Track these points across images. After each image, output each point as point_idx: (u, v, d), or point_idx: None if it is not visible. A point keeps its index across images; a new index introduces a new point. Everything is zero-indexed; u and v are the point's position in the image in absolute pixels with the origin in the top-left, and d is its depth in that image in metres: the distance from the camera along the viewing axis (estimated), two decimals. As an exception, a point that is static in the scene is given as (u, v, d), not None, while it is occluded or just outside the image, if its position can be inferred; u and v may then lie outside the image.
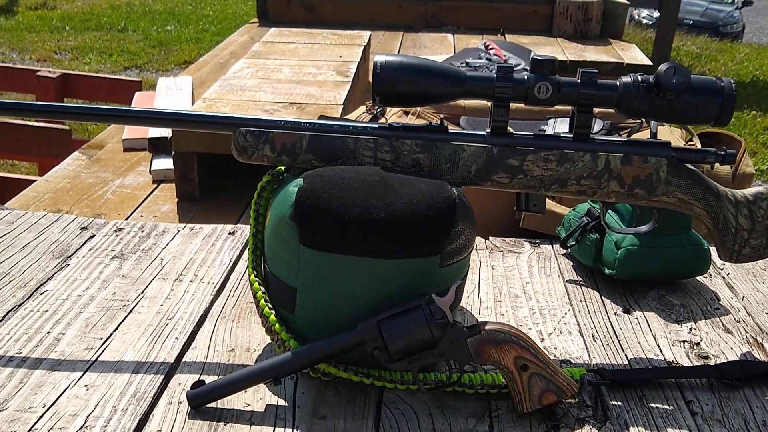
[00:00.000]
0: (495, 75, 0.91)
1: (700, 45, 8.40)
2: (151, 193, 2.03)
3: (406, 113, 1.71)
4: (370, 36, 3.00)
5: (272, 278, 0.92)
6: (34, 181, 2.72)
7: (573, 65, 3.42)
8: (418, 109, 1.71)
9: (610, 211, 1.15)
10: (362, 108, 1.79)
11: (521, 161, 0.93)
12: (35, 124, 3.12)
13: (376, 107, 1.74)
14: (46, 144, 3.12)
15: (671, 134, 1.65)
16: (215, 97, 2.12)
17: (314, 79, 2.33)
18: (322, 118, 0.98)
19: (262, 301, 0.91)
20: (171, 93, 2.61)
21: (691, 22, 10.07)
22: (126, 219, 1.84)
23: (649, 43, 7.10)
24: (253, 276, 0.94)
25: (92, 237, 1.26)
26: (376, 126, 0.95)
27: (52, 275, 1.14)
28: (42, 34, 7.56)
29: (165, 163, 2.10)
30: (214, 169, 2.08)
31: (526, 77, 0.91)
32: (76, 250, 1.22)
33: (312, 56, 2.63)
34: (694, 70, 7.11)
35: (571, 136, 0.94)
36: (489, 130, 0.94)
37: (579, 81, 0.91)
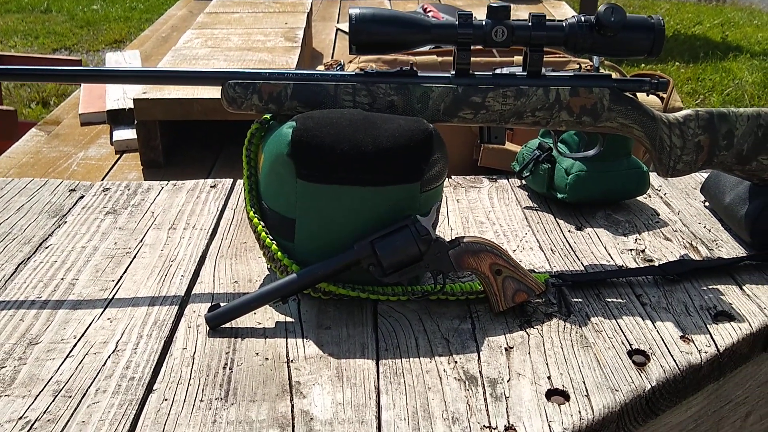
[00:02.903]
0: (457, 22, 1.03)
1: (623, 2, 8.67)
2: (115, 162, 2.09)
3: (362, 71, 1.81)
4: (312, 3, 3.08)
5: (270, 212, 1.02)
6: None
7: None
8: (374, 66, 1.81)
9: (559, 142, 1.29)
10: (321, 68, 1.88)
11: (483, 98, 1.06)
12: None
13: (335, 66, 1.84)
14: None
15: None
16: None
17: (264, 46, 2.41)
18: (300, 69, 1.08)
19: (263, 233, 1.02)
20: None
21: (613, -20, 10.37)
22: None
23: (575, 2, 7.34)
24: (252, 213, 1.04)
25: (82, 197, 1.34)
26: (353, 73, 1.06)
27: (52, 232, 1.21)
28: (-39, 18, 7.32)
29: (126, 134, 2.16)
30: (176, 137, 2.15)
31: (484, 23, 1.03)
32: (70, 209, 1.29)
33: (258, 24, 2.70)
34: (618, 27, 7.36)
35: (525, 73, 1.07)
36: (454, 72, 1.06)
37: (530, 24, 1.04)
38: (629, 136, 1.11)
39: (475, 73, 1.06)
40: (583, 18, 1.04)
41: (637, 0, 8.99)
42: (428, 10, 3.28)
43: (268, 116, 1.07)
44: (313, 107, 1.04)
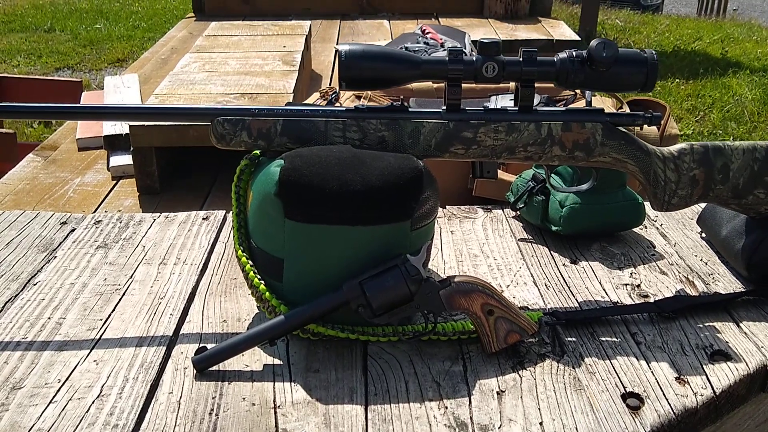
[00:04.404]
0: (447, 58, 1.02)
1: (623, 18, 8.70)
2: (111, 189, 2.08)
3: (358, 98, 1.81)
4: (311, 26, 3.08)
5: (259, 251, 1.01)
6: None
7: (506, 45, 3.57)
8: (369, 93, 1.81)
9: (553, 174, 1.28)
10: (316, 95, 1.88)
11: (474, 133, 1.04)
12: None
13: (331, 93, 1.83)
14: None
15: (602, 103, 1.80)
16: (167, 93, 2.17)
17: (261, 70, 2.40)
18: (290, 105, 1.07)
19: (251, 273, 1.00)
20: (119, 91, 2.65)
21: (613, -5, 10.42)
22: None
23: (575, 19, 7.35)
24: (240, 251, 1.03)
25: (73, 230, 1.33)
26: (344, 109, 1.05)
27: (41, 267, 1.20)
28: (-36, 38, 7.36)
29: (122, 160, 2.15)
30: (173, 163, 2.14)
31: (474, 59, 1.02)
32: (60, 243, 1.28)
33: (256, 47, 2.70)
34: (619, 43, 7.36)
35: (517, 108, 1.06)
36: (444, 108, 1.05)
37: (521, 59, 1.03)
38: (623, 170, 1.10)
39: (467, 108, 1.05)
40: (574, 53, 1.03)
41: (636, 16, 9.02)
42: (427, 31, 3.28)
43: (257, 152, 1.06)
44: (303, 143, 1.03)
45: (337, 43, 3.67)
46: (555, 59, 1.03)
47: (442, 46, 3.15)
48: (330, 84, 3.01)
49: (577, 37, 3.78)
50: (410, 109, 1.05)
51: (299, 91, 2.37)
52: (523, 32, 3.79)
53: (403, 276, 0.94)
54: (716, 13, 9.33)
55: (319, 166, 0.95)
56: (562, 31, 3.84)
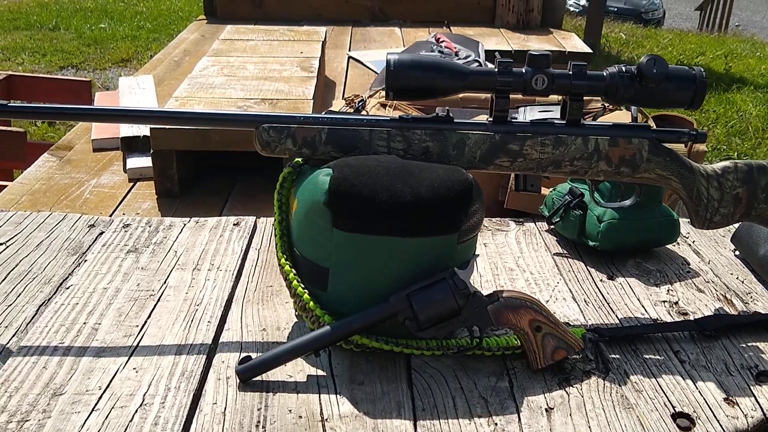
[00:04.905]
0: (496, 69, 1.01)
1: (627, 31, 8.73)
2: (129, 191, 2.07)
3: (383, 106, 1.80)
4: (326, 32, 3.07)
5: (303, 260, 1.00)
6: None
7: (518, 55, 3.57)
8: (394, 102, 1.80)
9: (588, 188, 1.27)
10: (342, 102, 1.87)
11: (521, 146, 1.04)
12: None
13: (357, 101, 1.82)
14: (-4, 147, 3.08)
15: (626, 116, 1.79)
16: (186, 96, 2.16)
17: (280, 75, 2.39)
18: (330, 113, 1.06)
19: (295, 281, 0.99)
20: (134, 92, 2.63)
21: (616, 9, 10.46)
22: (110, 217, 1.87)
23: (579, 31, 7.35)
24: (283, 260, 1.01)
25: (102, 234, 1.31)
26: (388, 118, 1.04)
27: (72, 271, 1.19)
28: (-32, 34, 7.34)
29: (140, 162, 2.13)
30: (192, 166, 2.13)
31: (524, 71, 1.02)
32: (89, 246, 1.27)
33: (273, 53, 2.69)
34: (622, 56, 7.41)
35: (564, 122, 1.05)
36: (491, 119, 1.04)
37: (571, 73, 1.02)
38: (666, 187, 1.09)
39: (514, 120, 1.04)
40: (624, 68, 1.03)
41: (639, 29, 9.05)
42: (441, 40, 3.27)
43: (300, 160, 1.05)
44: (347, 152, 1.02)
45: (349, 50, 3.67)
46: (605, 74, 1.03)
47: (456, 54, 3.15)
48: (344, 90, 3.00)
49: (588, 50, 3.79)
50: (455, 120, 1.04)
51: (317, 97, 2.36)
52: (534, 43, 3.79)
53: (451, 289, 0.93)
54: (718, 29, 9.36)
55: (369, 176, 0.94)
56: (573, 42, 3.85)
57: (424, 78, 1.01)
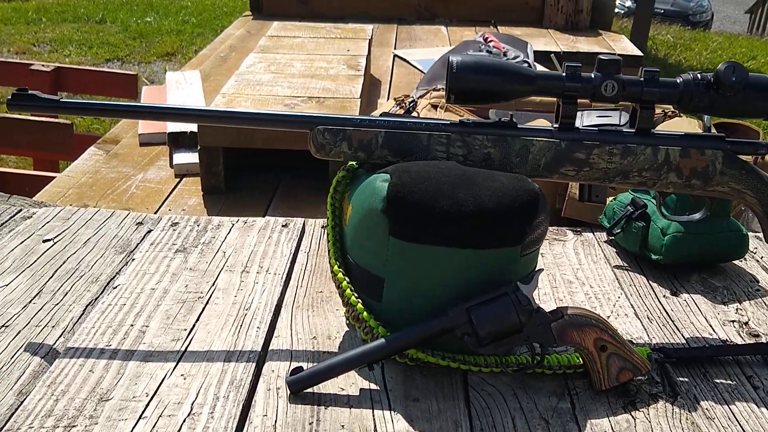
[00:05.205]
0: (564, 74, 0.97)
1: (674, 34, 8.55)
2: (175, 187, 2.06)
3: (434, 107, 1.76)
4: (373, 30, 3.04)
5: (356, 268, 0.96)
6: (36, 176, 2.73)
7: (567, 56, 3.50)
8: (446, 104, 1.76)
9: (653, 200, 1.22)
10: (392, 102, 1.83)
11: (587, 155, 0.99)
12: (32, 118, 3.10)
13: (408, 102, 1.79)
14: (44, 139, 3.11)
15: (689, 124, 1.73)
16: (234, 92, 2.15)
17: (327, 73, 2.37)
18: (385, 116, 1.02)
19: (348, 290, 0.96)
20: (181, 87, 2.63)
21: (662, 11, 10.26)
22: (155, 213, 1.86)
23: (625, 32, 7.22)
24: (336, 267, 0.98)
25: (150, 232, 1.29)
26: (448, 122, 1.00)
27: (120, 269, 1.17)
28: (18, 26, 7.46)
29: (187, 158, 2.13)
30: (238, 163, 2.11)
31: (593, 76, 0.97)
32: (137, 244, 1.25)
33: (320, 50, 2.66)
34: (670, 59, 7.25)
35: (633, 131, 1.00)
36: (557, 126, 0.99)
37: (642, 79, 0.97)
38: (740, 201, 1.03)
39: (580, 128, 1.00)
40: (699, 76, 0.97)
41: (686, 32, 8.86)
42: (489, 39, 3.22)
43: (354, 163, 1.01)
44: (404, 157, 0.98)
45: (394, 48, 3.63)
46: (678, 81, 0.97)
47: (504, 55, 3.09)
48: (389, 89, 2.96)
49: (639, 52, 3.69)
50: (519, 126, 1.00)
51: (363, 96, 2.33)
52: (584, 44, 3.71)
53: (514, 305, 0.88)
54: (770, 32, 9.13)
55: (429, 183, 0.90)
56: (624, 45, 3.76)
57: (488, 81, 0.97)
